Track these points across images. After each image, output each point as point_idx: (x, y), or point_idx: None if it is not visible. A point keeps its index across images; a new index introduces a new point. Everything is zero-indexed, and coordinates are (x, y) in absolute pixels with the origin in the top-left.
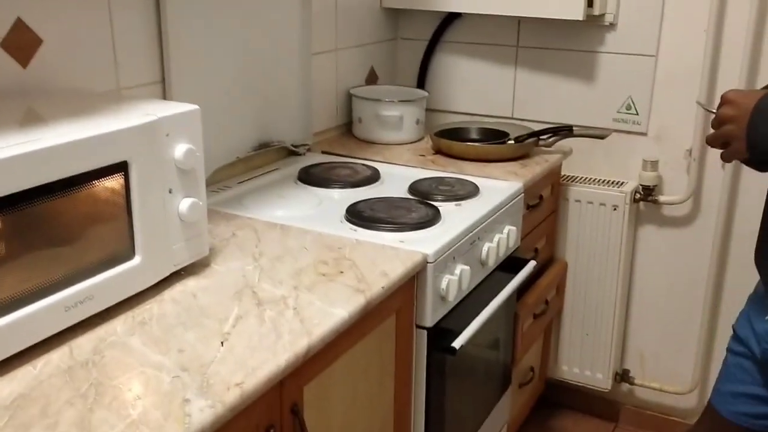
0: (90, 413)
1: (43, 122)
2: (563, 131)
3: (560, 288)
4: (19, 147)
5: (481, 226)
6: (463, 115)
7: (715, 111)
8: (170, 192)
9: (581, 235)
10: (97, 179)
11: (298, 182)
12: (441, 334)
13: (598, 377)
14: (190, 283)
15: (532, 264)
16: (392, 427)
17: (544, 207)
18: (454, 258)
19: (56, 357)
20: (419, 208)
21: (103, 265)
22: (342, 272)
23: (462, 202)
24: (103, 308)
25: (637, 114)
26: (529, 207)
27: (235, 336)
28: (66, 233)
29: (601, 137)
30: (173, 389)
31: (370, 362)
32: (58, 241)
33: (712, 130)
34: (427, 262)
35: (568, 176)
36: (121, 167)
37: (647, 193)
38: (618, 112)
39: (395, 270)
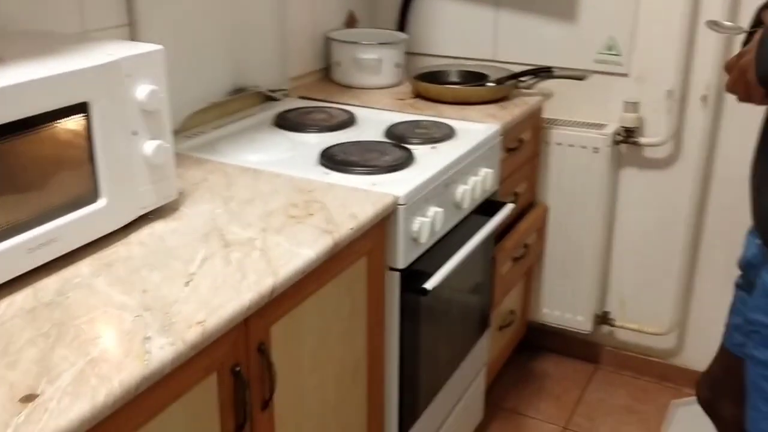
0: (51, 351)
1: (1, 62)
2: (542, 73)
3: (541, 232)
4: None
5: (456, 168)
6: (445, 59)
7: (726, 26)
8: (134, 134)
9: (563, 178)
10: (57, 120)
11: (274, 127)
12: (413, 276)
13: (578, 320)
14: (158, 226)
15: (509, 207)
16: (366, 368)
17: (524, 150)
18: (426, 200)
19: (20, 298)
20: (393, 151)
21: (67, 207)
22: (311, 214)
23: (437, 145)
24: (68, 250)
25: (619, 55)
26: (509, 150)
27: (200, 277)
28: (28, 175)
29: (580, 78)
30: (135, 328)
31: (341, 304)
32: (20, 183)
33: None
34: (398, 204)
35: (550, 119)
36: (82, 108)
37: (628, 135)
38: (599, 53)
39: (365, 212)
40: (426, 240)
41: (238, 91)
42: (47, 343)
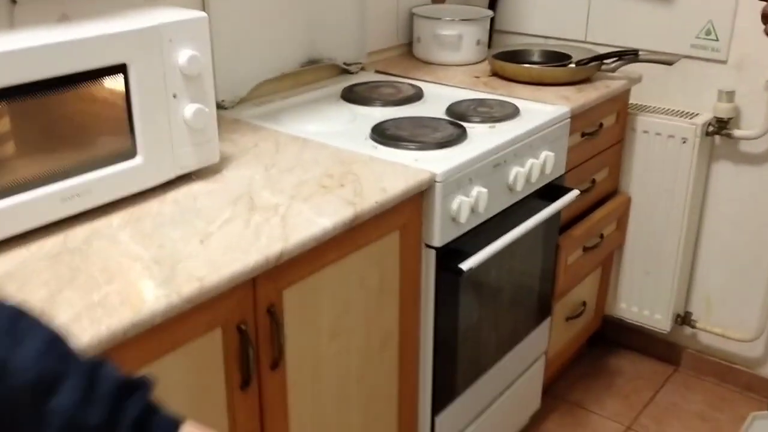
0: (58, 294)
1: (65, 20)
2: (628, 56)
3: (621, 223)
4: (17, 43)
5: (510, 149)
6: (535, 38)
7: None
8: (174, 97)
9: (649, 168)
10: (96, 79)
11: (341, 100)
12: (450, 255)
13: (656, 318)
14: (195, 187)
15: (573, 193)
16: (397, 343)
17: (605, 136)
18: (470, 179)
19: (50, 243)
20: (446, 127)
21: (104, 162)
22: (342, 186)
23: (497, 124)
24: (100, 203)
25: (717, 40)
26: (585, 135)
27: (216, 237)
28: (67, 129)
29: (669, 63)
30: (139, 278)
31: (368, 275)
32: (60, 135)
33: None
34: (435, 181)
35: (637, 105)
36: (120, 69)
37: (721, 127)
38: (696, 37)
39: (395, 187)
40: (465, 220)
41: (312, 63)
42: (58, 286)
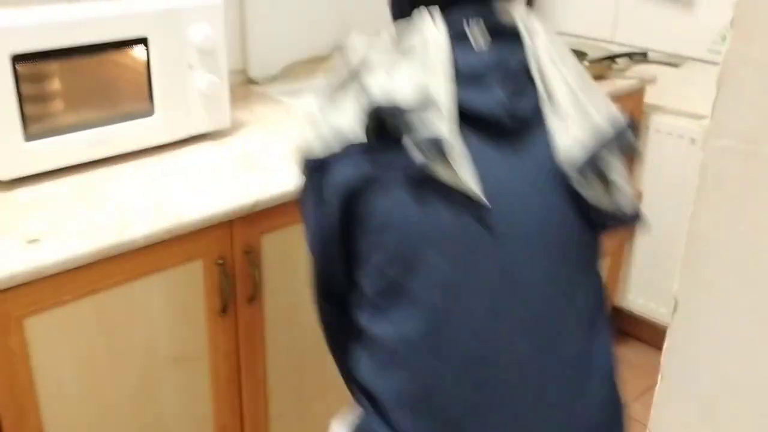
0: (69, 217)
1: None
2: (637, 56)
3: None
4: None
5: None
6: (566, 36)
7: None
8: (190, 68)
9: (660, 165)
10: (122, 48)
11: None
12: None
13: (661, 311)
14: (205, 146)
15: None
16: None
17: None
18: None
19: (74, 180)
20: None
21: (125, 117)
22: None
23: None
24: (120, 152)
25: None
26: None
27: (206, 186)
28: (98, 88)
29: (675, 65)
30: (134, 210)
31: None
32: (90, 92)
33: None
34: None
35: (652, 105)
36: (142, 41)
37: None
38: (713, 42)
39: None
40: None
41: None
42: (71, 211)
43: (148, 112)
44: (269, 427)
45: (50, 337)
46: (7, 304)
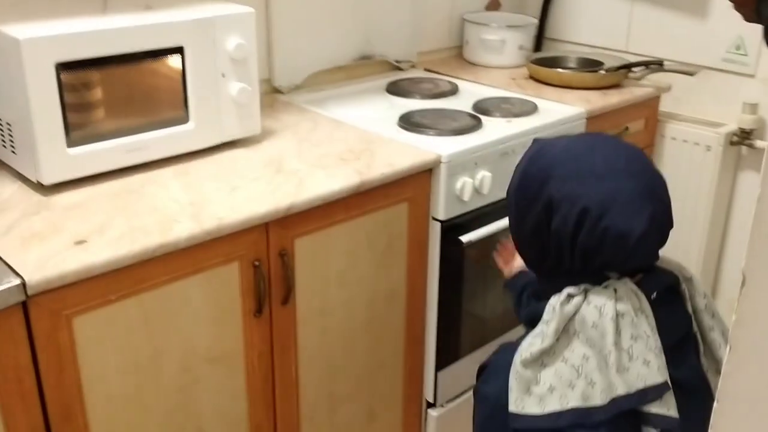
0: (110, 220)
1: (149, 9)
2: (653, 65)
3: None
4: (104, 24)
5: (519, 140)
6: (580, 46)
7: None
8: (223, 76)
9: (676, 173)
10: (159, 57)
11: (385, 92)
12: (453, 229)
13: None
14: (237, 152)
15: None
16: (405, 299)
17: (632, 140)
18: (476, 163)
19: (113, 185)
20: (465, 119)
21: (162, 124)
22: (358, 159)
23: (513, 119)
24: (157, 157)
25: (746, 55)
26: None
27: (242, 190)
28: (136, 96)
29: (691, 74)
30: (174, 213)
31: (375, 238)
32: (128, 99)
33: None
34: (441, 162)
35: (668, 113)
36: (179, 50)
37: (744, 137)
38: (727, 51)
39: (402, 163)
40: (469, 198)
41: (365, 58)
42: (112, 215)
43: (183, 119)
44: (300, 427)
45: (97, 337)
46: (58, 303)
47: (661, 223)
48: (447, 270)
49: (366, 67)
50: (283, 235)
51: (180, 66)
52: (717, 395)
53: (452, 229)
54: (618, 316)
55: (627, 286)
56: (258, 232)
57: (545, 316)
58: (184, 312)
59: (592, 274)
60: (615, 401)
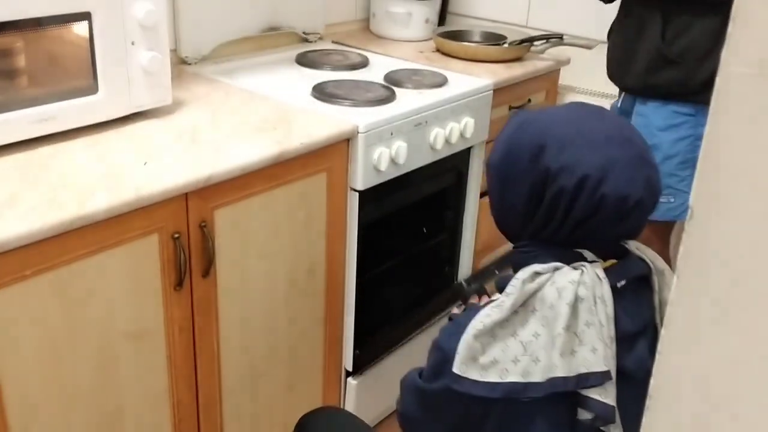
0: (21, 192)
1: None
2: (554, 39)
3: None
4: None
5: (431, 111)
6: (483, 21)
7: None
8: (132, 44)
9: None
10: (65, 23)
11: (294, 63)
12: (371, 198)
13: None
14: (149, 123)
15: None
16: (324, 270)
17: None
18: (392, 134)
19: (20, 157)
20: (378, 90)
21: (69, 94)
22: (275, 129)
23: (425, 90)
24: (65, 128)
25: None
26: (512, 108)
27: (158, 160)
28: (41, 64)
29: (589, 47)
30: (89, 185)
31: (294, 209)
32: (32, 68)
33: None
34: (358, 132)
35: (567, 86)
36: (86, 16)
37: None
38: None
39: (320, 134)
40: (385, 168)
41: (273, 29)
42: (22, 187)
43: (92, 89)
44: (222, 400)
45: (11, 314)
46: None
47: (655, 189)
48: (368, 239)
49: (274, 38)
50: (203, 206)
51: (87, 33)
52: (664, 322)
53: (370, 198)
54: (577, 300)
55: (595, 271)
56: (177, 204)
57: (508, 288)
58: (102, 287)
59: (570, 246)
60: (552, 381)
